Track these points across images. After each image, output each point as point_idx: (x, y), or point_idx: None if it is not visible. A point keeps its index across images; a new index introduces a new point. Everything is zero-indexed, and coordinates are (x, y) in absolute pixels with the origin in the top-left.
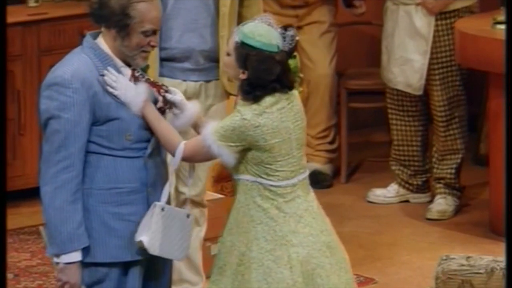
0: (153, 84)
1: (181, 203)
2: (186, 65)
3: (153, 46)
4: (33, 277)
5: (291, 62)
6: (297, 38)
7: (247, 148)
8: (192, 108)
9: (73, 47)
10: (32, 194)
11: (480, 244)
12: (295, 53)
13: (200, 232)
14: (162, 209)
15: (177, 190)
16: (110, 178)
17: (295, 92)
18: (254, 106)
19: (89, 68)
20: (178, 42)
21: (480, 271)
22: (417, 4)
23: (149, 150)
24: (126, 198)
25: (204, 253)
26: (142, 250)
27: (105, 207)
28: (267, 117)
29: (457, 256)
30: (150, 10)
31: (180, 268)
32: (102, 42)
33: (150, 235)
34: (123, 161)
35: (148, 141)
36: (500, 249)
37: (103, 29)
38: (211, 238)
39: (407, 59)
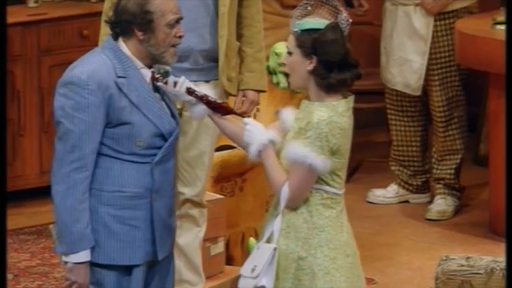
0: (242, 116)
1: (181, 203)
2: (185, 64)
3: (180, 37)
4: (33, 278)
5: None
6: (350, 20)
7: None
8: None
9: (73, 48)
10: (31, 194)
11: (480, 244)
12: None
13: (199, 232)
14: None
15: (176, 190)
16: (115, 181)
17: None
18: (332, 107)
19: (107, 69)
20: None
21: (480, 271)
22: (416, 5)
23: (157, 157)
24: (129, 202)
25: (204, 254)
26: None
27: (107, 209)
28: (346, 121)
29: (457, 256)
30: (167, 0)
31: (179, 268)
32: (123, 45)
33: (272, 279)
34: (130, 165)
35: (159, 148)
36: (500, 249)
37: (123, 36)
38: (210, 239)
39: (406, 60)
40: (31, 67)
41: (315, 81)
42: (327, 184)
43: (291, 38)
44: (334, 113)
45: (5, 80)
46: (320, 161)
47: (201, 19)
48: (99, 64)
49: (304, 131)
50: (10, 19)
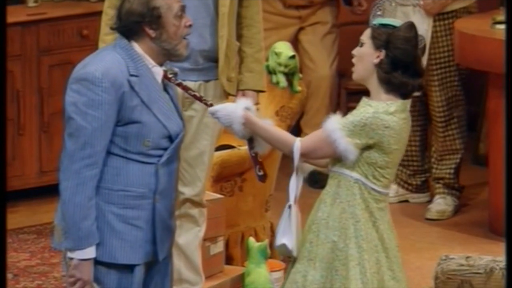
0: (186, 88)
1: (181, 203)
2: (185, 64)
3: (190, 25)
4: (33, 277)
5: (291, 62)
6: (425, 42)
7: (368, 146)
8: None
9: (73, 47)
10: (31, 194)
11: (480, 244)
12: (295, 53)
13: (199, 232)
14: (290, 207)
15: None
16: (120, 180)
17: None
18: (385, 105)
19: (120, 67)
20: None
21: (480, 271)
22: (415, 5)
23: (164, 159)
24: (132, 202)
25: (204, 253)
26: (283, 253)
27: (111, 207)
28: (396, 121)
29: (457, 256)
30: None
31: (179, 268)
32: (135, 44)
33: (293, 237)
34: (135, 165)
35: (165, 149)
36: (499, 249)
37: (132, 39)
38: (210, 238)
39: None
40: (30, 67)
41: (378, 75)
42: (366, 177)
43: (367, 31)
44: (384, 111)
45: (5, 80)
46: (344, 142)
47: (201, 19)
48: (112, 62)
49: (355, 114)
50: (10, 19)
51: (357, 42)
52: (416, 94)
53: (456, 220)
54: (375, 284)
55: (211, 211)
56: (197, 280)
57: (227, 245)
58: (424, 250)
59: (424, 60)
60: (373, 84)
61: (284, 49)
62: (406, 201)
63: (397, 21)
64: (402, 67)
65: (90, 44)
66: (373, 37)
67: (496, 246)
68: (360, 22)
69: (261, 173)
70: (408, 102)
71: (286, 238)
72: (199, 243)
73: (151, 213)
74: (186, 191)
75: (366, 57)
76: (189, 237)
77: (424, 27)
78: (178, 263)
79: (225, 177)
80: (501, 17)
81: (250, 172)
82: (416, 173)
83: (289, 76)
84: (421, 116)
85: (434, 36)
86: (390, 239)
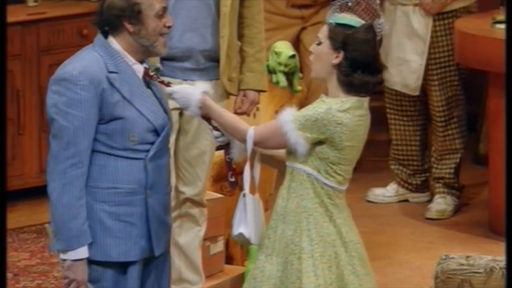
0: (167, 85)
1: (181, 203)
2: (187, 64)
3: (169, 27)
4: (32, 277)
5: (291, 61)
6: (386, 27)
7: (319, 141)
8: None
9: (73, 47)
10: (31, 193)
11: (480, 243)
12: (295, 53)
13: (199, 231)
14: (245, 195)
15: (177, 190)
16: (109, 178)
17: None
18: (340, 102)
19: (98, 65)
20: (178, 42)
21: (480, 270)
22: (415, 5)
23: (151, 153)
24: (123, 199)
25: (204, 253)
26: (241, 242)
27: (102, 205)
28: (349, 118)
29: (457, 255)
30: None
31: (179, 267)
32: (114, 41)
33: (249, 225)
34: (124, 161)
35: (152, 143)
36: (499, 248)
37: (112, 34)
38: (210, 238)
39: (405, 60)
40: (30, 67)
41: (337, 76)
42: (319, 172)
43: (324, 28)
44: (337, 108)
45: (5, 79)
46: (295, 134)
47: (202, 19)
48: (90, 60)
49: (308, 109)
50: (10, 19)
51: None
52: (415, 94)
53: (456, 220)
54: (328, 277)
55: (211, 211)
56: (197, 280)
57: (227, 244)
58: (424, 250)
59: (424, 60)
60: (332, 83)
61: (284, 48)
62: (406, 200)
63: (355, 20)
64: (362, 67)
65: (90, 44)
66: (331, 38)
67: (496, 245)
68: None
69: (232, 179)
70: (365, 100)
71: (243, 227)
72: (199, 243)
73: (144, 209)
74: (187, 190)
75: (324, 56)
76: (189, 236)
77: (424, 27)
78: (178, 262)
79: (225, 177)
80: (501, 16)
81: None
82: (416, 173)
83: (289, 75)
84: (421, 115)
85: (434, 36)
86: (349, 234)
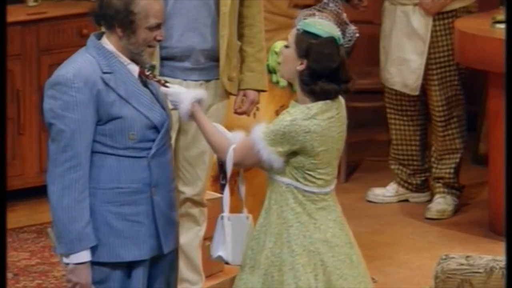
0: (163, 85)
1: (181, 203)
2: (187, 64)
3: (159, 41)
4: (32, 277)
5: None
6: (357, 35)
7: (293, 152)
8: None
9: (73, 47)
10: (31, 193)
11: (480, 243)
12: None
13: (199, 231)
14: (228, 219)
15: (177, 190)
16: (113, 178)
17: (342, 100)
18: (305, 110)
19: (92, 66)
20: (178, 41)
21: (480, 270)
22: (415, 5)
23: (153, 151)
24: (129, 198)
25: (204, 253)
26: (221, 262)
27: (107, 206)
28: (317, 124)
29: (457, 255)
30: (153, 4)
31: (179, 267)
32: (107, 42)
33: (227, 248)
34: (126, 160)
35: (152, 141)
36: (499, 248)
37: (106, 31)
38: (210, 238)
39: (404, 60)
40: (30, 66)
41: (299, 84)
42: (297, 181)
43: (293, 33)
44: (302, 116)
45: (5, 79)
46: (267, 151)
47: (202, 19)
48: (83, 63)
49: (275, 123)
50: (10, 18)
51: (359, 42)
52: (415, 94)
53: (456, 220)
54: (314, 286)
55: (211, 211)
56: (197, 280)
57: None
58: (424, 250)
59: (423, 60)
60: (299, 87)
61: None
62: (406, 200)
63: (321, 29)
64: (324, 77)
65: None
66: (296, 44)
67: (496, 245)
68: (362, 21)
69: (223, 182)
70: (334, 102)
71: (221, 249)
72: (199, 243)
73: (150, 207)
74: (187, 190)
75: (290, 61)
76: (189, 236)
77: (424, 27)
78: (178, 262)
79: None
80: (501, 16)
81: (250, 172)
82: (416, 173)
83: None
84: (421, 115)
85: (434, 36)
86: (337, 237)
